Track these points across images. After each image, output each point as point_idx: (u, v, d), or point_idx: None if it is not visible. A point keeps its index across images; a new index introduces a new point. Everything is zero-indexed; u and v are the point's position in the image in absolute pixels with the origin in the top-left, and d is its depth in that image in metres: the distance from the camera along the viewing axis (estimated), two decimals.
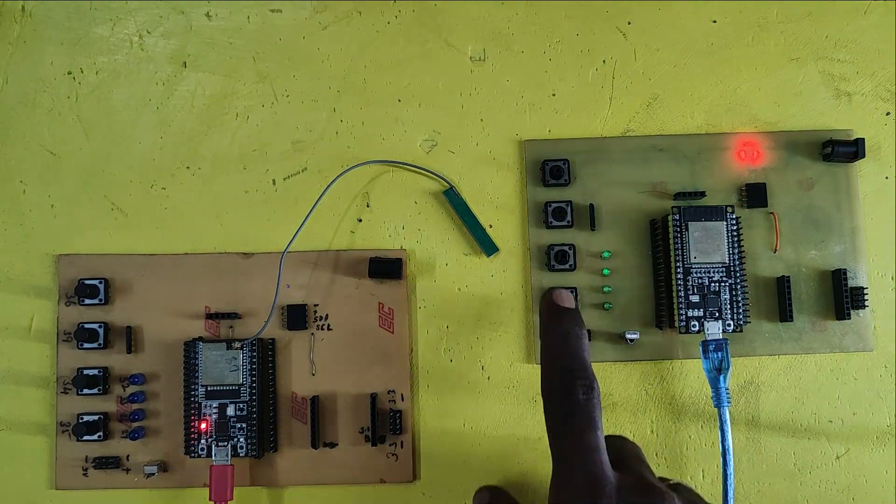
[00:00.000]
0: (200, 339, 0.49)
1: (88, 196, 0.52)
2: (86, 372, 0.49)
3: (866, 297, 0.50)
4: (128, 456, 0.50)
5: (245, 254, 0.51)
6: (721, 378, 0.47)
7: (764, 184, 0.51)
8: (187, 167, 0.52)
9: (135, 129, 0.52)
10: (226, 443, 0.48)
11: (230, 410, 0.48)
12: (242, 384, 0.48)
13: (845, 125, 0.52)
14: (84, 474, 0.49)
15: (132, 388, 0.50)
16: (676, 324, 0.48)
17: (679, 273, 0.48)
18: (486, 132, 0.52)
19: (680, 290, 0.48)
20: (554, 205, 0.51)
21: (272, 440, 0.49)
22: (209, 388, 0.48)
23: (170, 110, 0.53)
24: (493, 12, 0.53)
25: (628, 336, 0.50)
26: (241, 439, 0.48)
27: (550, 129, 0.52)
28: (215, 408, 0.48)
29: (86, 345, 0.49)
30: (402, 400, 0.50)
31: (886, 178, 0.52)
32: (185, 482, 0.49)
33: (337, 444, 0.49)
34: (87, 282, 0.50)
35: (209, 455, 0.48)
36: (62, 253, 0.51)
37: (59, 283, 0.51)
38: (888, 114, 0.52)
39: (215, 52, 0.53)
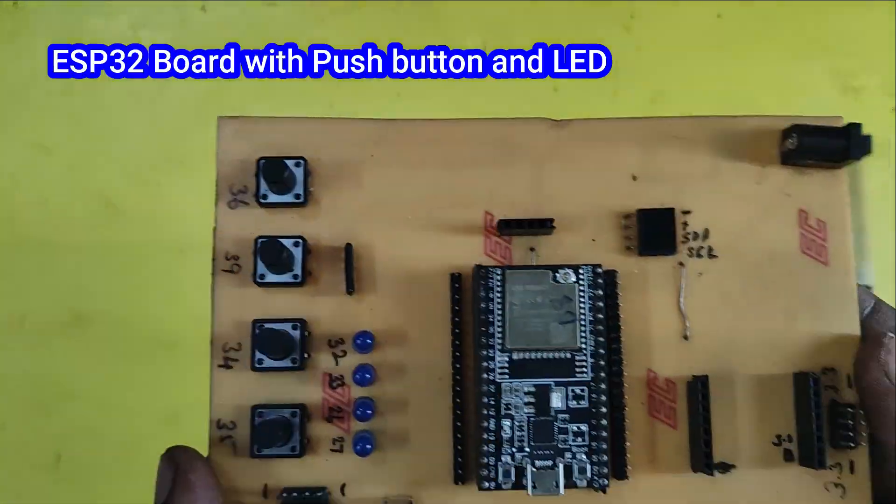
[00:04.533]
0: (483, 268, 0.26)
1: None
2: (269, 327, 0.26)
3: None
4: (343, 486, 0.26)
5: (557, 120, 0.28)
6: None
7: None
8: (181, 163, 0.50)
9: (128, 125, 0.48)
10: (552, 459, 0.25)
11: (557, 399, 0.25)
12: (581, 349, 0.25)
13: (852, 120, 0.44)
14: None
15: (354, 359, 0.27)
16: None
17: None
18: None
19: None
20: None
21: (621, 460, 0.26)
22: (516, 357, 0.25)
23: (164, 105, 0.50)
24: (494, 6, 0.51)
25: None
26: (582, 455, 0.25)
27: None
28: (528, 394, 0.25)
29: (270, 276, 0.27)
30: (850, 386, 0.27)
31: (893, 174, 0.48)
32: None
33: (734, 467, 0.26)
34: (273, 162, 0.27)
35: (518, 486, 0.25)
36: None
37: (220, 161, 0.28)
38: (894, 109, 0.50)
39: (210, 45, 0.48)
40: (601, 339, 0.25)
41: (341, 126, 0.28)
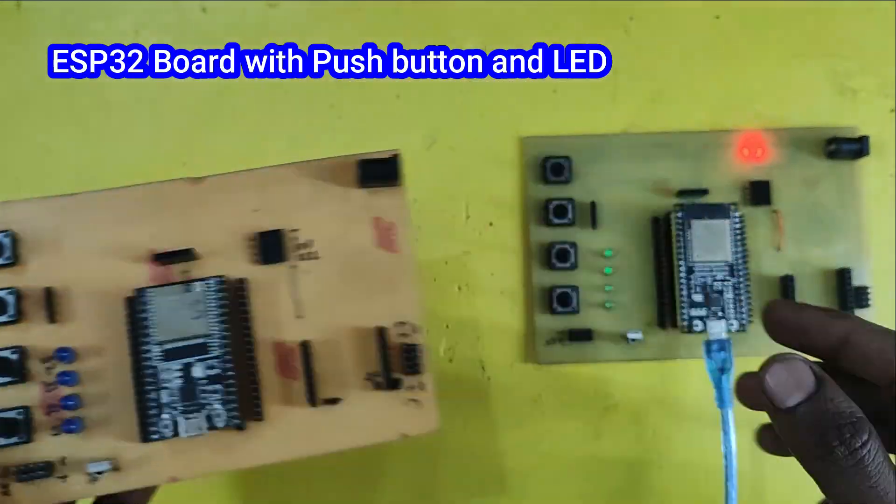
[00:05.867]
0: (137, 291, 0.37)
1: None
2: None
3: (870, 296, 0.50)
4: (63, 459, 0.37)
5: (195, 178, 0.40)
6: (724, 378, 0.43)
7: (767, 182, 0.51)
8: (184, 164, 0.51)
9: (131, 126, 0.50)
10: (197, 412, 0.36)
11: (198, 371, 0.36)
12: (211, 334, 0.37)
13: (850, 122, 0.52)
14: (4, 492, 0.36)
15: (60, 367, 0.37)
16: (679, 323, 0.48)
17: (682, 272, 0.48)
18: (486, 128, 0.52)
19: (683, 290, 0.48)
20: (555, 202, 0.51)
21: (256, 406, 0.37)
22: (167, 347, 0.36)
23: (166, 107, 0.52)
24: (494, 6, 0.52)
25: (630, 336, 0.49)
26: (217, 406, 0.36)
27: (552, 126, 0.52)
28: (178, 371, 0.36)
29: None
30: (415, 332, 0.39)
31: (891, 175, 0.52)
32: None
33: (341, 399, 0.38)
34: None
35: (176, 434, 0.36)
36: None
37: None
38: (892, 111, 0.52)
39: (210, 45, 0.51)
40: (226, 325, 0.37)
41: (38, 204, 0.39)
